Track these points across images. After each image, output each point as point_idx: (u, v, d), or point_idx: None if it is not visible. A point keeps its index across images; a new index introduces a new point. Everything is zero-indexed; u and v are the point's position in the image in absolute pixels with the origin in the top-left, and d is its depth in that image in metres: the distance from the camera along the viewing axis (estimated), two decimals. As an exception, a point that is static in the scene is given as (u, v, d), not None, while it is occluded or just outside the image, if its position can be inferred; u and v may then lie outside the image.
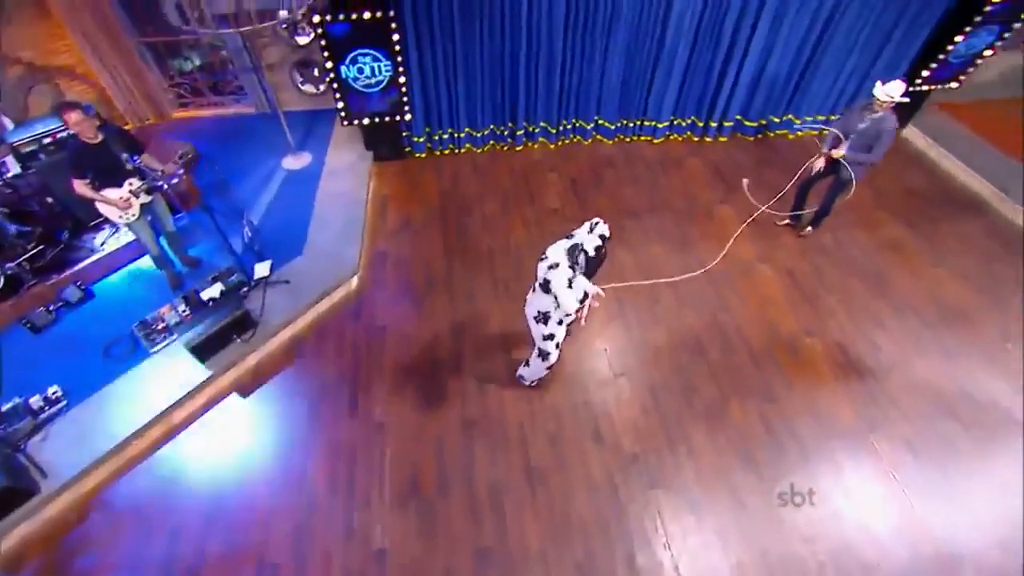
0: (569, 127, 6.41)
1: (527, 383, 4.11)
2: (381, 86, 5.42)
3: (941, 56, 6.19)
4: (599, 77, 5.95)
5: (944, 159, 6.74)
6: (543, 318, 3.52)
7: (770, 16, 5.76)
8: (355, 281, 5.01)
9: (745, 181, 5.22)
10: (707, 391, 4.21)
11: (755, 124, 6.71)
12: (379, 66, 5.24)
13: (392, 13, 4.89)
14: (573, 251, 3.30)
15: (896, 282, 5.24)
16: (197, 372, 4.01)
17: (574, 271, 3.28)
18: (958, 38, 5.97)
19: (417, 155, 6.31)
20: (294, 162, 6.08)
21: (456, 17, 5.27)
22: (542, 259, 3.33)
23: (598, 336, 4.54)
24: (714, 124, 6.57)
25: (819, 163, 4.73)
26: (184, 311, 4.31)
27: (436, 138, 6.28)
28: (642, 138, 6.60)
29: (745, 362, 4.41)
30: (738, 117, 6.70)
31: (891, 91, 4.44)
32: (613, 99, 6.16)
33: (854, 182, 4.73)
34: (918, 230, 5.77)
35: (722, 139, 6.49)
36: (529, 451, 3.84)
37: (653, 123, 6.49)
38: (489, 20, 5.35)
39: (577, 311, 3.33)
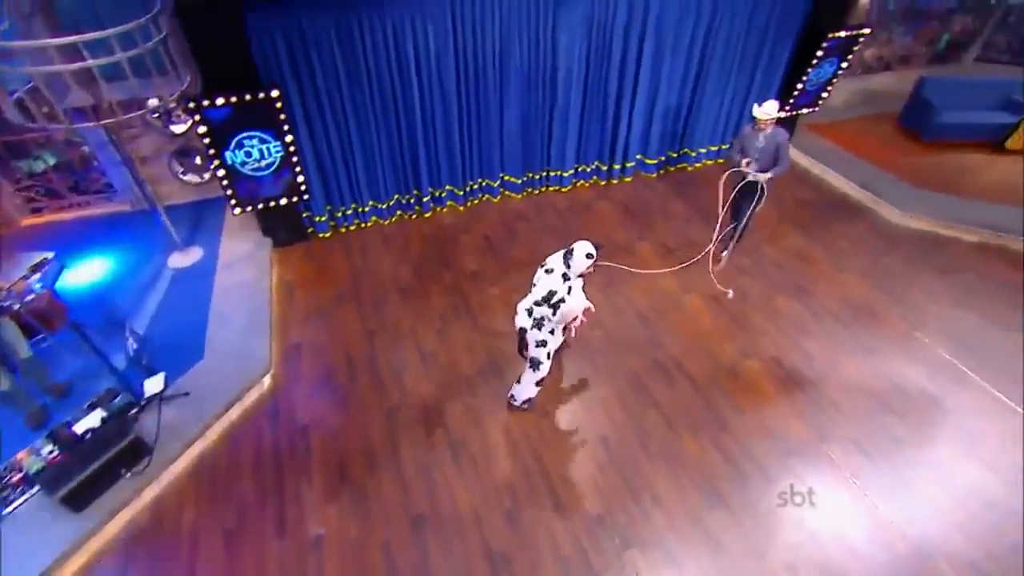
0: (476, 187, 6.42)
1: (517, 404, 4.11)
2: (272, 168, 5.17)
3: (800, 85, 6.99)
4: (498, 135, 6.06)
5: (823, 172, 7.53)
6: (537, 324, 3.67)
7: (649, 61, 6.20)
8: (268, 380, 4.54)
9: (730, 292, 5.25)
10: (659, 431, 4.15)
11: (655, 161, 7.07)
12: (268, 147, 5.01)
13: (276, 92, 4.74)
14: (567, 256, 3.55)
15: (811, 289, 5.51)
16: (73, 526, 3.37)
17: (568, 278, 3.55)
18: (809, 69, 6.80)
19: (321, 235, 6.03)
20: (182, 259, 5.59)
21: (345, 91, 5.21)
22: (547, 270, 3.59)
23: (540, 395, 4.37)
24: (617, 166, 6.85)
25: (744, 165, 4.93)
26: (51, 452, 3.64)
27: (339, 215, 6.06)
28: (550, 188, 6.73)
29: (691, 395, 4.42)
30: (639, 156, 7.04)
31: (768, 110, 4.85)
32: (515, 155, 6.27)
33: (766, 195, 5.06)
34: (817, 238, 6.20)
35: (627, 179, 6.74)
36: (487, 536, 3.59)
37: (559, 172, 6.65)
38: (380, 91, 5.34)
39: (572, 323, 3.56)
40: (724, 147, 7.21)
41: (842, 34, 6.44)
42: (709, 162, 7.12)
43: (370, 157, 5.73)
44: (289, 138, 5.04)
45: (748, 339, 4.88)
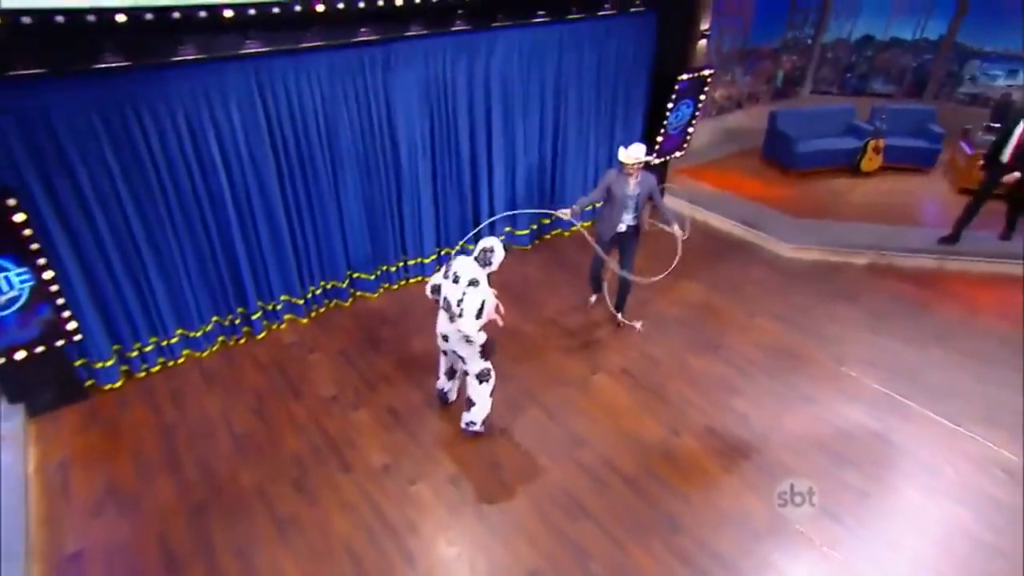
0: (319, 292, 6.08)
1: (478, 427, 4.45)
2: (18, 305, 4.39)
3: (662, 130, 7.75)
4: (338, 228, 5.84)
5: (705, 216, 8.26)
6: (466, 339, 4.06)
7: (500, 126, 6.44)
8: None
9: (638, 324, 5.54)
10: (602, 550, 3.92)
11: (526, 232, 7.29)
12: (8, 277, 4.28)
13: (12, 201, 4.10)
14: (483, 255, 4.03)
15: (725, 342, 5.78)
16: None
17: (482, 277, 4.00)
18: (667, 112, 7.60)
19: (108, 386, 5.19)
20: None
21: (124, 195, 4.69)
22: (453, 280, 4.01)
23: (443, 537, 3.96)
24: None
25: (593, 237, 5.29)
26: None
27: (134, 355, 5.28)
28: (411, 281, 6.58)
29: (628, 496, 4.29)
30: (508, 229, 7.21)
31: (635, 152, 5.20)
32: (363, 248, 6.08)
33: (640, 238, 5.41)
34: (715, 286, 6.65)
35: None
36: None
37: (418, 260, 6.54)
38: (176, 192, 4.90)
39: (496, 310, 4.01)
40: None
41: (686, 76, 7.36)
42: (587, 224, 7.45)
43: (172, 274, 5.16)
44: (42, 261, 4.36)
45: (673, 413, 4.93)
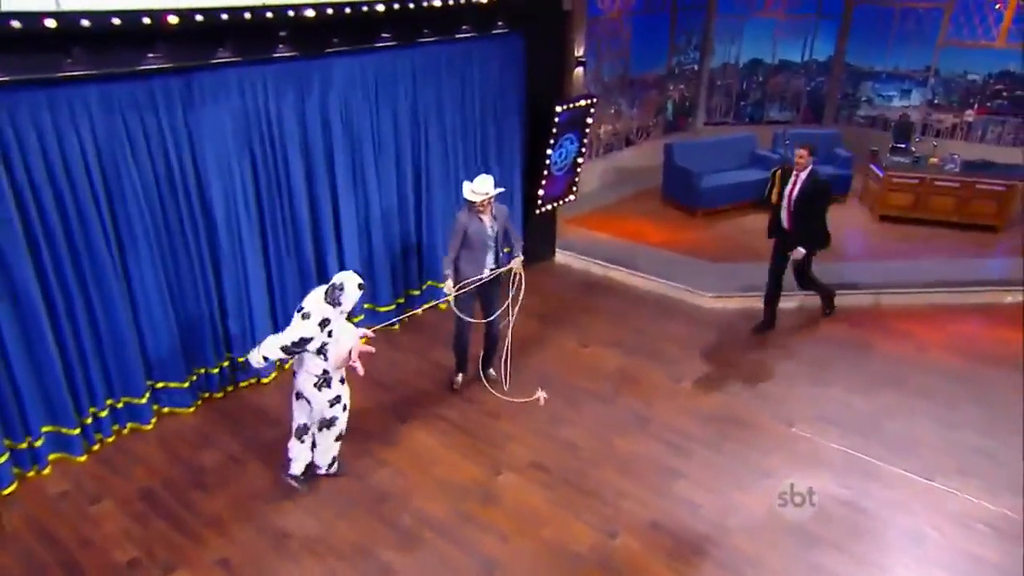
0: (104, 415, 5.40)
1: (324, 471, 5.05)
2: None
3: (545, 172, 7.87)
4: (131, 324, 5.34)
5: (606, 270, 8.48)
6: (323, 381, 4.61)
7: (348, 179, 6.28)
8: None
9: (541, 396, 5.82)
10: None
11: (391, 307, 7.00)
12: None
13: None
14: (331, 291, 4.45)
15: (654, 415, 5.85)
16: None
17: (333, 316, 4.45)
18: (549, 151, 7.79)
19: None
20: None
21: None
22: (303, 315, 4.45)
23: None
24: None
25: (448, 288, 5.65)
26: None
27: None
28: (242, 385, 6.19)
29: None
30: (368, 306, 6.89)
31: (483, 186, 5.45)
32: (169, 347, 5.60)
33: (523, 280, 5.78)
34: (633, 350, 6.82)
35: (363, 341, 6.41)
36: None
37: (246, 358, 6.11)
38: None
39: (349, 357, 4.52)
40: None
41: (565, 107, 7.57)
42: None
43: None
44: None
45: (604, 510, 4.84)
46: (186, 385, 5.81)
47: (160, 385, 5.75)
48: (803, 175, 6.64)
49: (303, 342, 4.39)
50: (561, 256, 8.84)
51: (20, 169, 4.54)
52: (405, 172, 6.87)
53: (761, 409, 5.87)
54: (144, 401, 5.59)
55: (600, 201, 10.30)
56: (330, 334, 4.43)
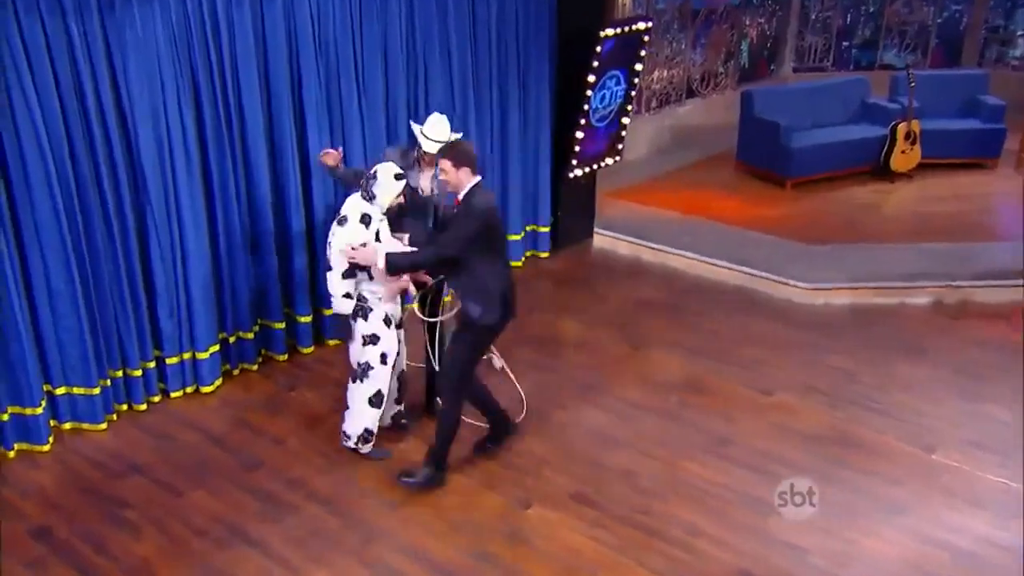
0: None
1: (352, 444, 5.44)
2: None
3: (583, 121, 7.85)
4: (23, 311, 5.39)
5: (665, 259, 8.43)
6: (361, 309, 5.13)
7: (316, 124, 6.32)
8: None
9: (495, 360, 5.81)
10: None
11: (251, 336, 6.83)
12: None
13: None
14: (365, 183, 5.00)
15: (735, 435, 5.82)
16: None
17: (373, 213, 5.00)
18: (588, 92, 7.74)
19: None
20: None
21: None
22: (340, 220, 5.01)
23: None
24: (306, 319, 6.75)
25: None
26: None
27: None
28: (174, 395, 6.19)
29: None
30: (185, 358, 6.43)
31: (438, 130, 5.33)
32: (81, 348, 5.66)
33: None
34: (703, 353, 6.81)
35: (205, 390, 6.39)
36: None
37: (190, 354, 6.21)
38: None
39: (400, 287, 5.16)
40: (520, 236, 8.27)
41: (611, 32, 7.50)
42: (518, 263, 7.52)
43: None
44: None
45: (675, 553, 4.83)
46: (96, 392, 5.75)
47: (61, 391, 5.70)
48: None
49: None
50: (601, 238, 8.87)
51: None
52: (396, 116, 6.88)
53: (887, 429, 5.80)
54: (39, 412, 5.55)
55: (651, 169, 10.28)
56: (377, 236, 4.96)
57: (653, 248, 8.47)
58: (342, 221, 4.93)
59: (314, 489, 5.17)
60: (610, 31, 7.51)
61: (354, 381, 5.26)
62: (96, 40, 5.20)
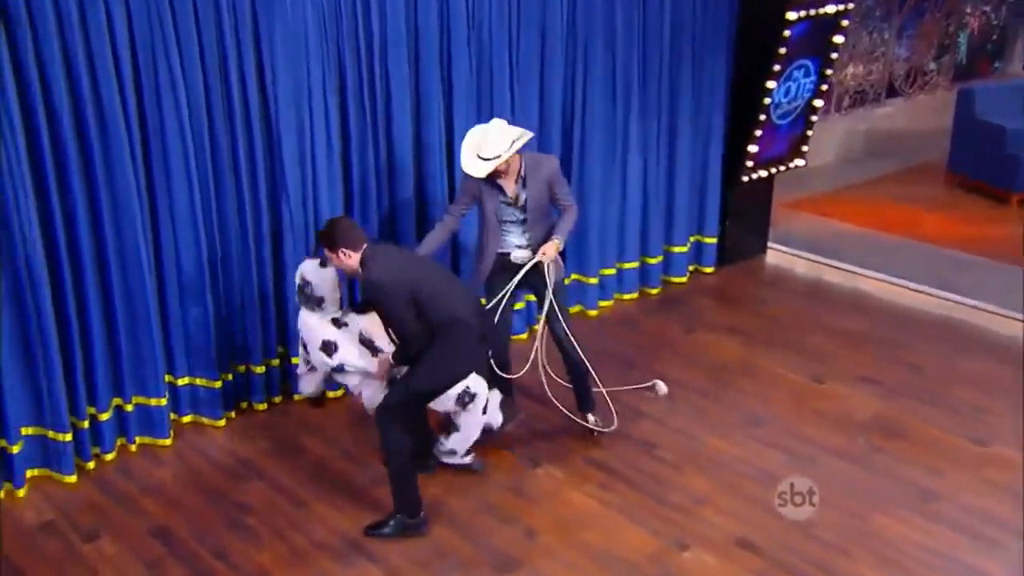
0: (107, 419, 5.77)
1: (459, 460, 5.66)
2: None
3: (762, 117, 7.75)
4: (155, 300, 5.80)
5: (858, 280, 8.28)
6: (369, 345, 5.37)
7: (464, 114, 6.53)
8: None
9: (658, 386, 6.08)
10: None
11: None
12: None
13: None
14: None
15: (946, 492, 5.56)
16: None
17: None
18: (770, 84, 7.64)
19: None
20: None
21: None
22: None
23: None
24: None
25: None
26: None
27: None
28: (296, 397, 6.43)
29: None
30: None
31: (496, 143, 5.35)
32: (206, 338, 6.01)
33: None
34: (900, 395, 6.68)
35: (331, 394, 6.64)
36: None
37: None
38: None
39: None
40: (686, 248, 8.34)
41: (801, 15, 7.36)
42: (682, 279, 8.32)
43: None
44: None
45: None
46: (218, 385, 6.07)
47: (183, 382, 6.07)
48: None
49: None
50: (776, 254, 8.85)
51: (31, 62, 4.93)
52: (552, 107, 7.07)
53: None
54: (163, 403, 5.88)
55: (839, 178, 10.17)
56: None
57: (839, 268, 8.36)
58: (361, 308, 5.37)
59: (443, 509, 5.29)
60: (802, 13, 7.37)
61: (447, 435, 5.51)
62: (244, 15, 5.51)
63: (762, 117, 7.80)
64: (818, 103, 8.32)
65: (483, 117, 6.59)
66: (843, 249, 8.56)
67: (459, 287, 5.37)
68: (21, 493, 5.53)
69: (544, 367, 5.82)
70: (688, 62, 7.61)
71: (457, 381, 5.17)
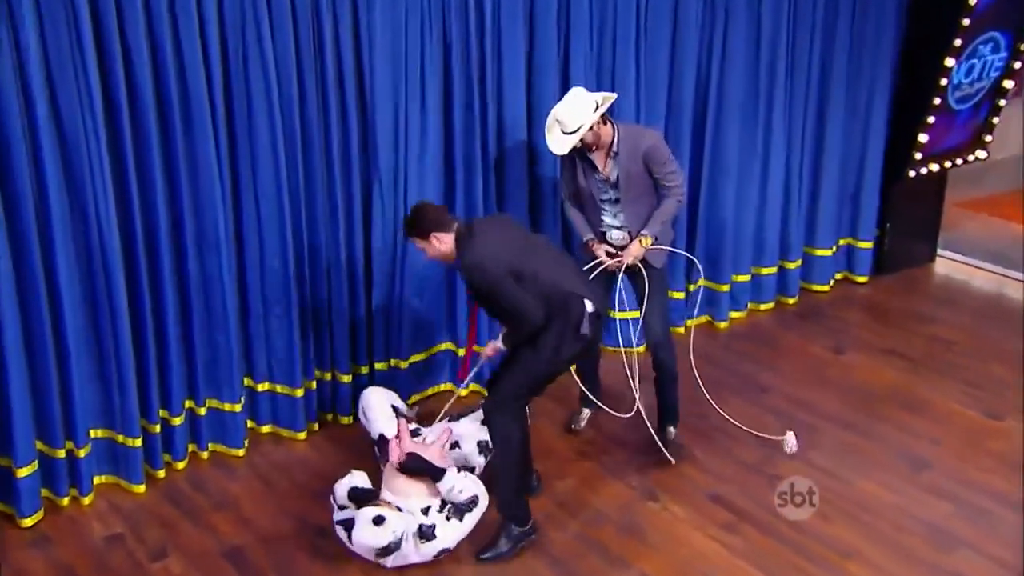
0: (179, 424, 6.07)
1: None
2: None
3: (936, 101, 7.64)
4: (235, 297, 6.08)
5: None
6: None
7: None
8: None
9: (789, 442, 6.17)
10: None
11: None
12: None
13: None
14: None
15: None
16: None
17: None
18: (949, 61, 7.47)
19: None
20: None
21: None
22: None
23: None
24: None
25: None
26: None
27: None
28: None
29: None
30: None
31: (577, 113, 5.48)
32: (287, 340, 6.28)
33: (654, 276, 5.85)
34: None
35: None
36: None
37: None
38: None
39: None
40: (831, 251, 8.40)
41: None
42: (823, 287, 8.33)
43: None
44: None
45: None
46: (299, 393, 6.28)
47: (263, 387, 6.31)
48: None
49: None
50: (947, 263, 8.73)
51: (116, 45, 5.19)
52: (681, 91, 7.20)
53: None
54: (238, 409, 6.12)
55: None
56: None
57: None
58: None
59: (539, 539, 5.40)
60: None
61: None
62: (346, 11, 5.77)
63: (936, 101, 7.65)
64: (1008, 84, 8.15)
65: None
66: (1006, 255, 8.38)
67: (570, 262, 5.46)
68: (87, 501, 5.78)
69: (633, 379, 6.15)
70: (846, 34, 7.62)
71: (575, 361, 5.38)
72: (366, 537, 4.98)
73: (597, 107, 5.41)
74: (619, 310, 6.54)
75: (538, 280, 4.97)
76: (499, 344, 5.37)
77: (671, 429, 6.18)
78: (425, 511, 5.20)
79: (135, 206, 5.51)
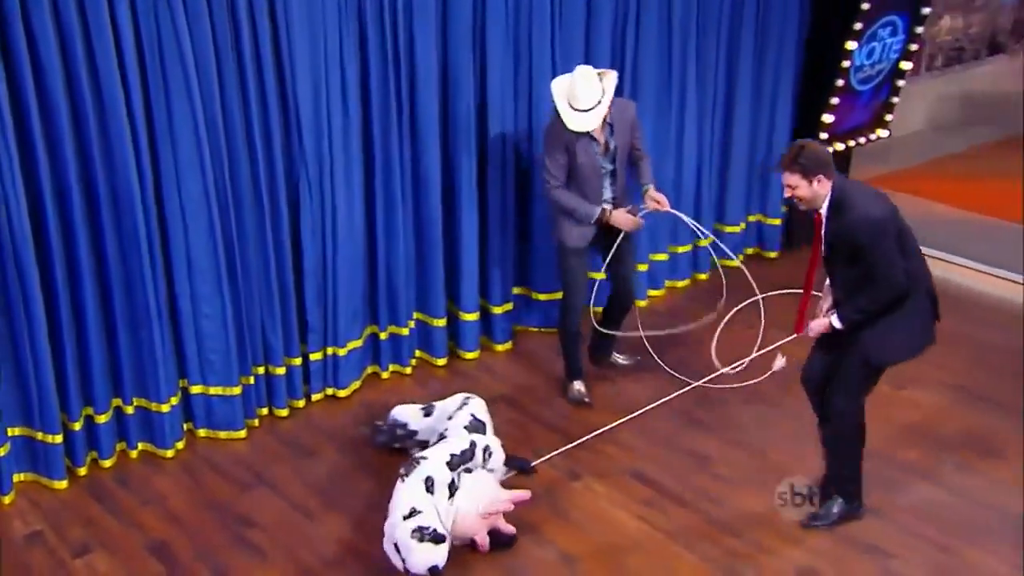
0: (104, 422, 6.02)
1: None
2: None
3: (840, 83, 7.79)
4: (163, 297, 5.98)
5: (941, 267, 7.92)
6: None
7: (500, 83, 6.71)
8: None
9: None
10: None
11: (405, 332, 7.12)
12: None
13: None
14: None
15: None
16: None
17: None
18: (851, 44, 7.64)
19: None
20: None
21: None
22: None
23: None
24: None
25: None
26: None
27: None
28: (315, 397, 6.76)
29: None
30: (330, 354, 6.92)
31: (590, 92, 5.70)
32: (222, 339, 6.24)
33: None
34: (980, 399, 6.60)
35: (342, 393, 6.89)
36: None
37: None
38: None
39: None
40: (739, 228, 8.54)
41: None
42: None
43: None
44: None
45: None
46: (236, 392, 6.25)
47: (196, 390, 6.24)
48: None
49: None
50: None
51: (21, 41, 5.03)
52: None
53: None
54: (164, 410, 6.05)
55: (929, 150, 10.15)
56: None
57: (927, 255, 8.27)
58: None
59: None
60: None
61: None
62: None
63: (840, 83, 7.81)
64: (906, 65, 8.33)
65: (519, 81, 6.78)
66: (934, 233, 8.32)
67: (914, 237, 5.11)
68: (8, 500, 5.71)
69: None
70: (752, 21, 7.75)
71: (915, 353, 5.10)
72: (420, 561, 4.90)
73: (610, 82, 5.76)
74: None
75: (907, 249, 4.86)
76: (828, 321, 5.06)
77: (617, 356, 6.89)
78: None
79: (48, 200, 5.42)
